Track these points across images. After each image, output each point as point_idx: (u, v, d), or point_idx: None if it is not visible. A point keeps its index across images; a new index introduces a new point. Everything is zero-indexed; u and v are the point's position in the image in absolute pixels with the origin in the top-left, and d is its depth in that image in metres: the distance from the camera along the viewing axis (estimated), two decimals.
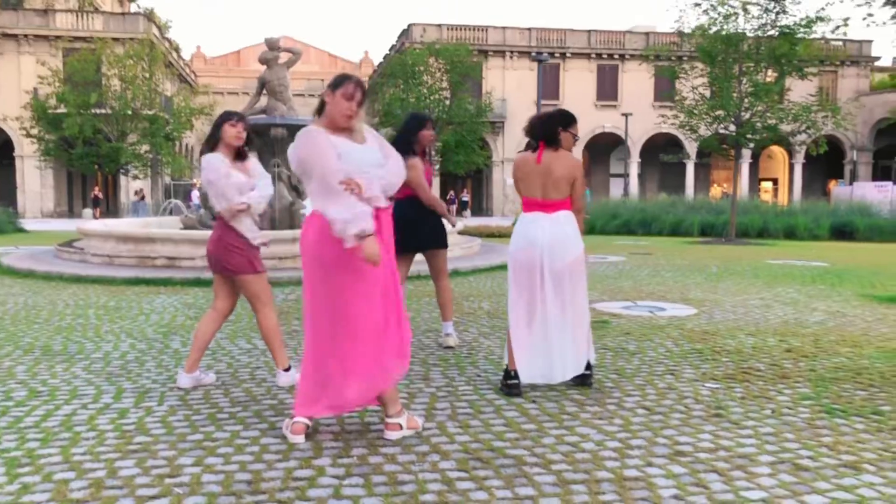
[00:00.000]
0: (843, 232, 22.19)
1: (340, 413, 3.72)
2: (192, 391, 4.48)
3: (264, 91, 13.83)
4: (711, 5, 19.02)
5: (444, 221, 5.90)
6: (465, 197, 44.54)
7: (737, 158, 20.57)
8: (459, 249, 12.66)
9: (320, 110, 3.49)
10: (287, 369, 4.55)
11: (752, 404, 4.27)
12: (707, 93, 20.95)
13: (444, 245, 5.85)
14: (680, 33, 20.13)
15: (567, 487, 3.01)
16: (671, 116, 21.00)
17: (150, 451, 3.43)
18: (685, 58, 23.01)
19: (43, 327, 6.63)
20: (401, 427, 3.58)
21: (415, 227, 5.58)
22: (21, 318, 7.14)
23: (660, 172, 50.28)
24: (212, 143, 4.48)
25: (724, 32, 18.60)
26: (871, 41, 49.17)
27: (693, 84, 20.72)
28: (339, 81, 3.48)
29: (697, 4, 19.21)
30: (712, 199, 37.69)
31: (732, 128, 19.88)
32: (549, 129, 4.49)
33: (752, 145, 21.06)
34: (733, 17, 18.94)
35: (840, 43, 42.83)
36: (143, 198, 34.06)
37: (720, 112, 19.58)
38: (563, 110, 4.66)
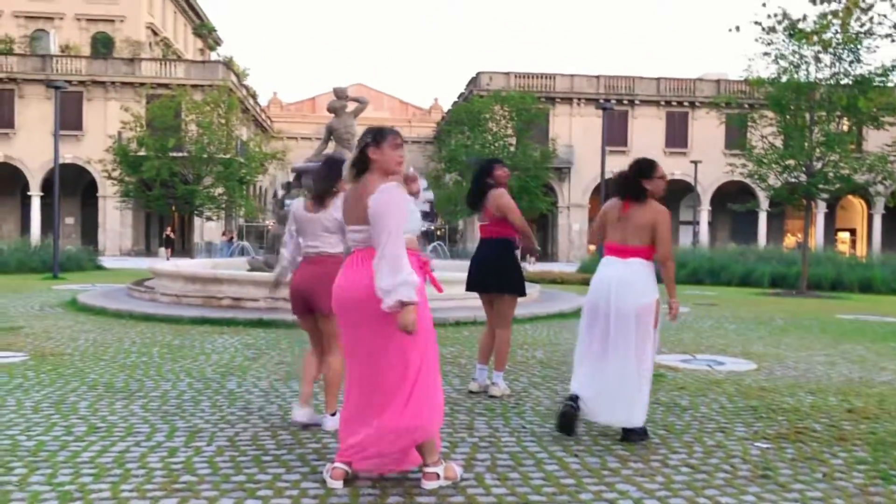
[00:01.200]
0: None
1: (381, 471, 3.72)
2: (241, 432, 4.59)
3: (332, 138, 14.21)
4: (781, 54, 18.77)
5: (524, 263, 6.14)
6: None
7: (808, 209, 20.07)
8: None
9: (360, 165, 3.57)
10: (333, 414, 4.63)
11: (802, 466, 4.14)
12: (777, 142, 20.59)
13: (519, 292, 5.90)
14: (747, 81, 19.89)
15: None
16: (740, 165, 20.68)
17: (194, 490, 3.53)
18: (755, 105, 22.69)
19: (109, 364, 6.90)
20: (438, 476, 3.60)
21: (494, 269, 5.78)
22: (89, 354, 7.44)
23: (731, 221, 49.28)
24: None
25: (793, 81, 18.30)
26: None
27: (762, 133, 20.40)
28: (381, 134, 3.60)
29: (766, 54, 18.97)
30: (785, 248, 36.74)
31: (804, 177, 19.43)
32: (632, 185, 4.56)
33: (824, 196, 20.54)
34: (804, 66, 18.65)
35: None
36: (231, 239, 35.15)
37: (791, 161, 19.19)
38: (639, 161, 4.71)
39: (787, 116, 19.03)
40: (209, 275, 11.93)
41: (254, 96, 51.61)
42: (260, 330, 9.41)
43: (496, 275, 5.84)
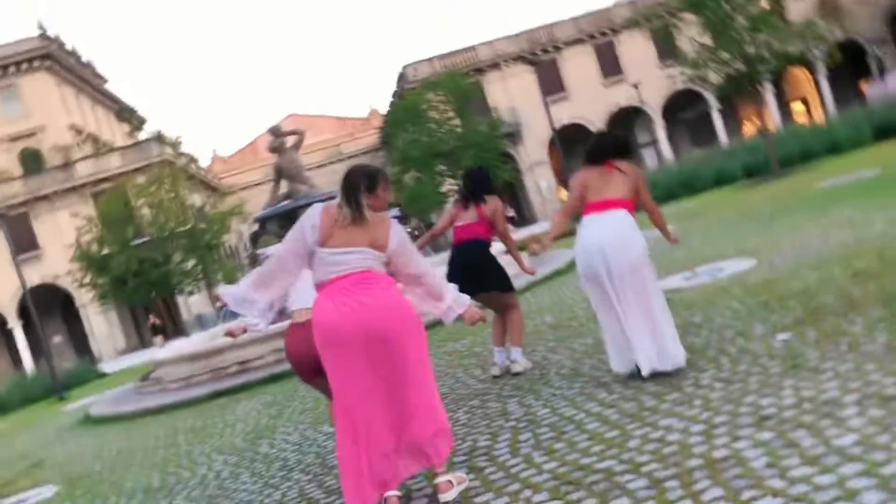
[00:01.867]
0: (887, 130, 21.46)
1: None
2: (287, 492, 4.56)
3: (282, 176, 14.15)
4: None
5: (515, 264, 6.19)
6: (510, 213, 44.37)
7: (756, 93, 20.25)
8: (510, 269, 12.63)
9: (355, 207, 3.56)
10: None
11: (827, 344, 4.18)
12: (706, 40, 20.70)
13: (509, 289, 5.93)
14: None
15: (660, 486, 2.99)
16: (679, 74, 20.80)
17: None
18: (674, 13, 22.74)
19: (140, 467, 6.85)
20: (452, 484, 3.59)
21: (486, 270, 5.82)
22: (118, 463, 7.38)
23: (688, 130, 49.48)
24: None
25: None
26: None
27: (690, 36, 20.52)
28: (374, 181, 3.63)
29: None
30: (747, 137, 37.00)
31: (742, 66, 19.57)
32: (619, 149, 4.77)
33: (767, 77, 20.70)
34: None
35: None
36: (224, 305, 34.70)
37: (725, 55, 19.31)
38: (616, 136, 5.04)
39: (708, 13, 19.12)
40: (209, 348, 11.86)
41: (194, 161, 51.19)
42: (274, 385, 9.36)
43: (493, 276, 5.87)
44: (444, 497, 3.54)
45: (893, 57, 46.59)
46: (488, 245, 5.97)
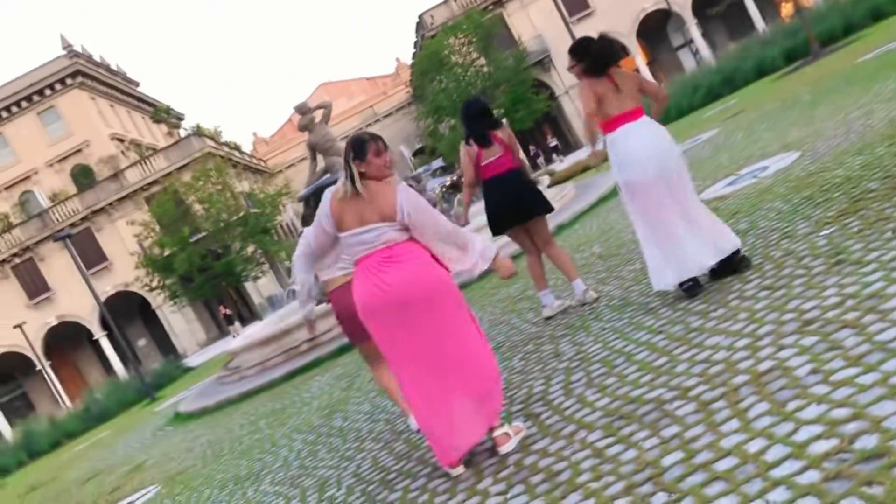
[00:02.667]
0: None
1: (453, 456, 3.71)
2: (361, 462, 4.71)
3: (318, 153, 14.24)
4: None
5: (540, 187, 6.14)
6: (553, 142, 43.69)
7: None
8: (555, 202, 12.56)
9: (353, 179, 3.56)
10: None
11: (871, 233, 4.07)
12: None
13: (548, 209, 5.87)
14: None
15: (707, 409, 3.00)
16: None
17: None
18: None
19: (228, 458, 7.15)
20: (509, 436, 3.66)
21: (527, 197, 5.78)
22: (208, 457, 7.72)
23: (723, 25, 47.74)
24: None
25: None
26: None
27: None
28: (362, 148, 3.56)
29: None
30: (786, 20, 35.45)
31: None
32: (609, 56, 4.67)
33: None
34: None
35: None
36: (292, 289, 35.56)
37: None
38: (608, 42, 4.74)
39: None
40: (278, 330, 12.18)
41: (237, 148, 51.85)
42: (344, 357, 9.59)
43: (531, 201, 5.82)
44: (502, 449, 3.62)
45: None
46: (522, 172, 5.94)
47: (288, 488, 5.05)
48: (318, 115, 14.18)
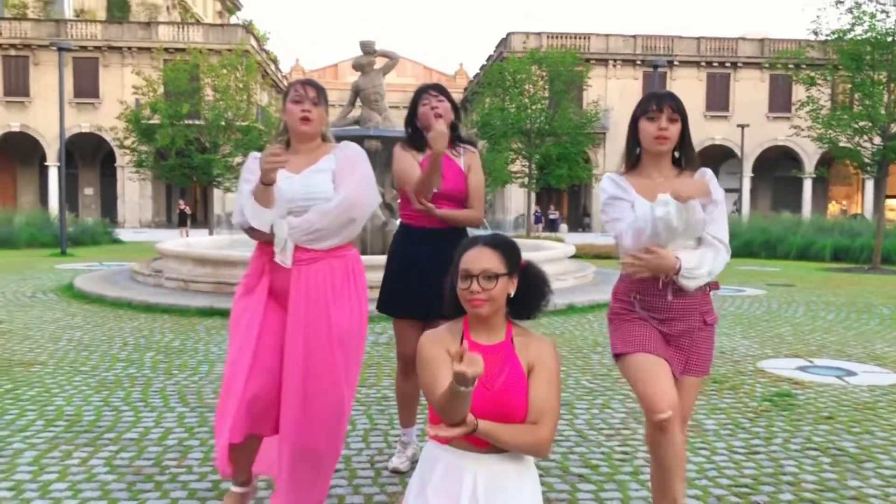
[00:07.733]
0: None
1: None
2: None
3: (358, 100, 12.61)
4: (856, 2, 16.80)
5: None
6: (553, 214, 42.18)
7: (883, 176, 18.26)
8: (573, 279, 11.06)
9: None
10: None
11: None
12: (847, 101, 18.70)
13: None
14: (815, 33, 17.87)
15: None
16: (805, 128, 18.79)
17: None
18: (814, 64, 20.54)
19: (85, 381, 5.45)
20: None
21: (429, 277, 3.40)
22: (66, 364, 6.00)
23: (772, 188, 47.13)
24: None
25: (877, 35, 16.34)
26: None
27: (831, 92, 18.53)
28: (286, 91, 3.06)
29: (840, 2, 17.02)
30: (830, 216, 34.73)
31: (878, 140, 17.55)
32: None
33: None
34: (881, 16, 16.69)
35: None
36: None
37: (865, 123, 17.28)
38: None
39: (864, 73, 17.05)
40: (220, 257, 10.48)
41: (275, 61, 49.88)
42: None
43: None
44: None
45: None
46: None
47: (122, 487, 3.39)
48: (380, 62, 12.54)
